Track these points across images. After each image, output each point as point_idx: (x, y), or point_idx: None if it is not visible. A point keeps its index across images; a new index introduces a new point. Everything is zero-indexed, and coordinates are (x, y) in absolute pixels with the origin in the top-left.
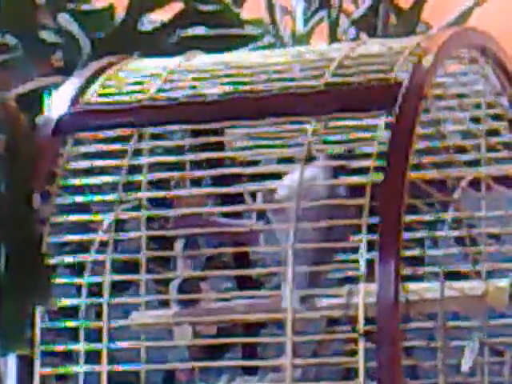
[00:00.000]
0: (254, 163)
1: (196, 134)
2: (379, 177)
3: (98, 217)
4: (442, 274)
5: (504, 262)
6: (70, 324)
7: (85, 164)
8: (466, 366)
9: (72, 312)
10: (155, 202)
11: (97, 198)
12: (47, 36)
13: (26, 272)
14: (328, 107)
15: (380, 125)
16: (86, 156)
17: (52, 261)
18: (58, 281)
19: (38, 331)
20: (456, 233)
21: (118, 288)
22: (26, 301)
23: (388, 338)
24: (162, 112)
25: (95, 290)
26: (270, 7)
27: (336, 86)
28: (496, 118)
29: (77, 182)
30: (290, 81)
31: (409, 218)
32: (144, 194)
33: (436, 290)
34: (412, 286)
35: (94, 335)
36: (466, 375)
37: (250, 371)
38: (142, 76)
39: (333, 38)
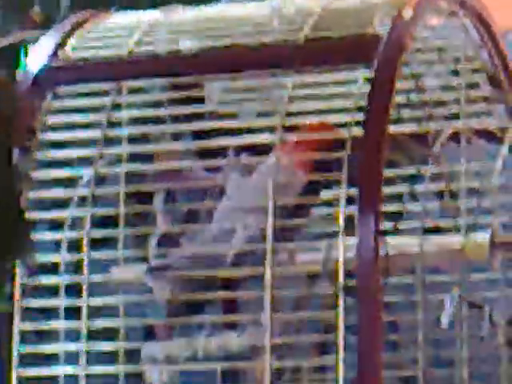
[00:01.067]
0: (233, 117)
1: (175, 88)
2: (359, 131)
3: (78, 172)
4: (421, 228)
5: (483, 216)
6: (50, 280)
7: (63, 119)
8: (444, 321)
9: (51, 268)
10: (134, 157)
11: (76, 153)
12: None
13: (6, 228)
14: (307, 61)
15: (359, 78)
16: (65, 110)
17: (31, 216)
18: (38, 236)
19: (17, 287)
20: (435, 187)
21: (97, 244)
22: (5, 257)
23: (368, 292)
24: (141, 66)
25: (74, 246)
26: None
27: (315, 40)
28: (475, 71)
29: (56, 136)
30: (268, 35)
31: (388, 172)
32: (123, 149)
33: (416, 244)
34: (392, 240)
35: (73, 291)
36: (445, 329)
37: (230, 326)
38: (121, 30)
39: None
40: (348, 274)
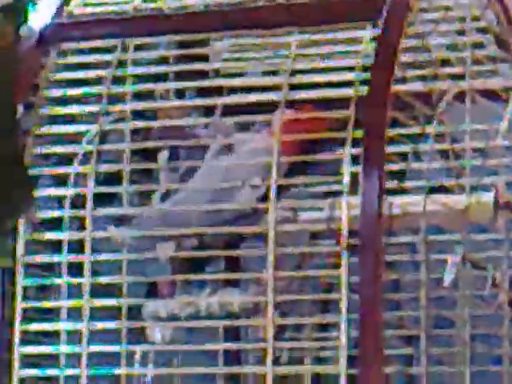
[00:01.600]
0: (239, 75)
1: (181, 45)
2: (364, 90)
3: (82, 128)
4: (425, 187)
5: (488, 176)
6: (53, 236)
7: (68, 75)
8: (447, 280)
9: (55, 225)
10: (139, 114)
11: (80, 109)
12: None
13: (9, 184)
14: (313, 19)
15: (365, 37)
16: (70, 67)
17: (35, 172)
18: (41, 193)
19: (20, 243)
20: (440, 146)
21: (100, 201)
22: (8, 212)
23: (371, 251)
24: (147, 23)
25: (77, 203)
26: None
27: None
28: (481, 31)
29: (60, 93)
30: None
31: (393, 131)
32: (128, 106)
33: (419, 203)
34: (395, 199)
35: (76, 248)
36: (448, 289)
37: (233, 284)
38: None
39: None
40: (351, 233)
